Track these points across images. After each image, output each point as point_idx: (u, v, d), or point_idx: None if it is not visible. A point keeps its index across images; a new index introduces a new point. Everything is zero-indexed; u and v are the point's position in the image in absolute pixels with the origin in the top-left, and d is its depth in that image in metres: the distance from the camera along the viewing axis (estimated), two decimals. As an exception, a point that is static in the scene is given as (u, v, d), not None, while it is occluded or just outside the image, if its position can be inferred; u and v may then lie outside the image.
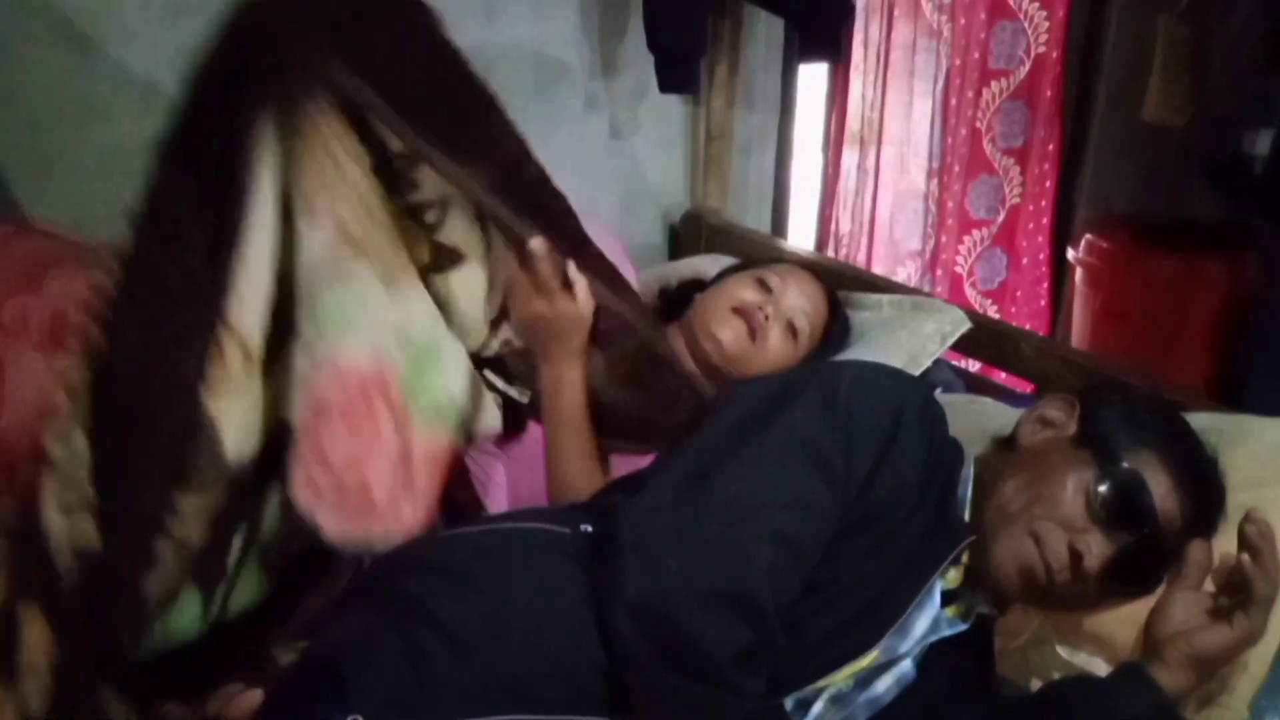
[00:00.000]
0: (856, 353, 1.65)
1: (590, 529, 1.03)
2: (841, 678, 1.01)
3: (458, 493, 1.26)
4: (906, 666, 1.05)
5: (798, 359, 1.56)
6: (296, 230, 1.02)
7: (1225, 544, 1.06)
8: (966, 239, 3.09)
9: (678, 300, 1.68)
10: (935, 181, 2.94)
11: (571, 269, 1.17)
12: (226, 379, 0.98)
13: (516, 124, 1.14)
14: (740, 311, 1.53)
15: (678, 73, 2.04)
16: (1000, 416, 1.42)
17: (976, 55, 2.85)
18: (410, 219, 1.13)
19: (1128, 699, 1.01)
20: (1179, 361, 2.77)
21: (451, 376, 1.14)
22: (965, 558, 1.07)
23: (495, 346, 1.24)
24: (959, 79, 2.85)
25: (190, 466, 0.97)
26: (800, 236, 2.77)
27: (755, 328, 1.52)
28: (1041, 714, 1.06)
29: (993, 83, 2.91)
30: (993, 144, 2.99)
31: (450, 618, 0.92)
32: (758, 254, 2.07)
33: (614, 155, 2.22)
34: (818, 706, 1.00)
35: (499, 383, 1.26)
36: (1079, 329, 3.05)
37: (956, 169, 2.96)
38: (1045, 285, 3.17)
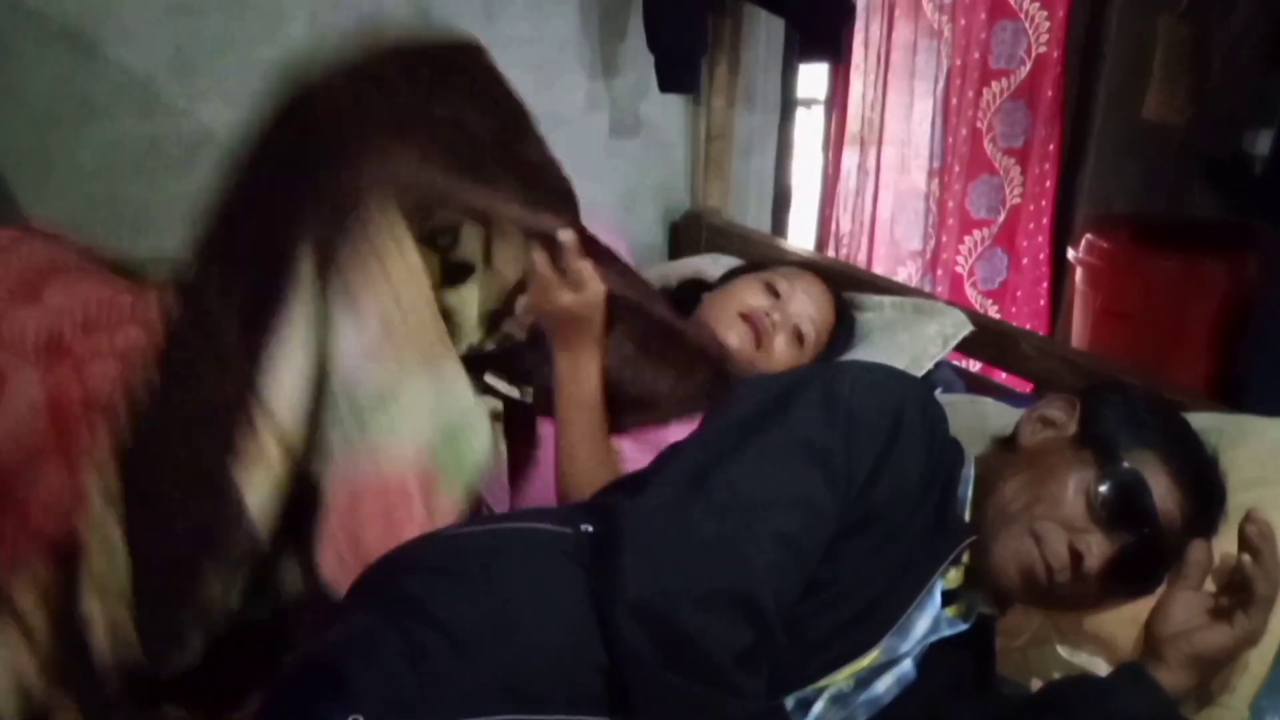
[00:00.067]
0: (858, 354, 1.65)
1: (591, 529, 1.02)
2: (842, 678, 1.00)
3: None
4: (907, 666, 1.05)
5: (803, 364, 1.56)
6: (336, 321, 1.03)
7: (1226, 544, 1.06)
8: (967, 239, 3.09)
9: (680, 300, 1.68)
10: (936, 181, 2.94)
11: (585, 262, 1.19)
12: (259, 457, 1.00)
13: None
14: (747, 317, 1.52)
15: (678, 72, 2.04)
16: (1000, 416, 1.42)
17: (977, 55, 2.85)
18: (426, 244, 1.15)
19: (1128, 699, 1.01)
20: (1179, 361, 2.77)
21: (480, 441, 1.16)
22: (966, 558, 1.07)
23: (493, 343, 1.24)
24: (959, 79, 2.85)
25: (221, 541, 0.99)
26: (800, 236, 2.77)
27: (761, 334, 1.52)
28: (1042, 714, 1.06)
29: (993, 83, 2.91)
30: (993, 144, 2.99)
31: (451, 617, 0.92)
32: (758, 254, 2.07)
33: (614, 155, 2.21)
34: (818, 706, 1.00)
35: (501, 385, 1.27)
36: (1079, 329, 3.05)
37: (957, 169, 2.96)
38: (1045, 285, 3.17)
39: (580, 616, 0.93)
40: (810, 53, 2.26)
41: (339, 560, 1.05)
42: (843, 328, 1.63)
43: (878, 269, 2.86)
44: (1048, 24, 2.87)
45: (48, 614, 1.01)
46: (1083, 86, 2.99)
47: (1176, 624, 1.03)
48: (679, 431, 1.48)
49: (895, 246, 3.00)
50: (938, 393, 1.60)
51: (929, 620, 1.04)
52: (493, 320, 1.25)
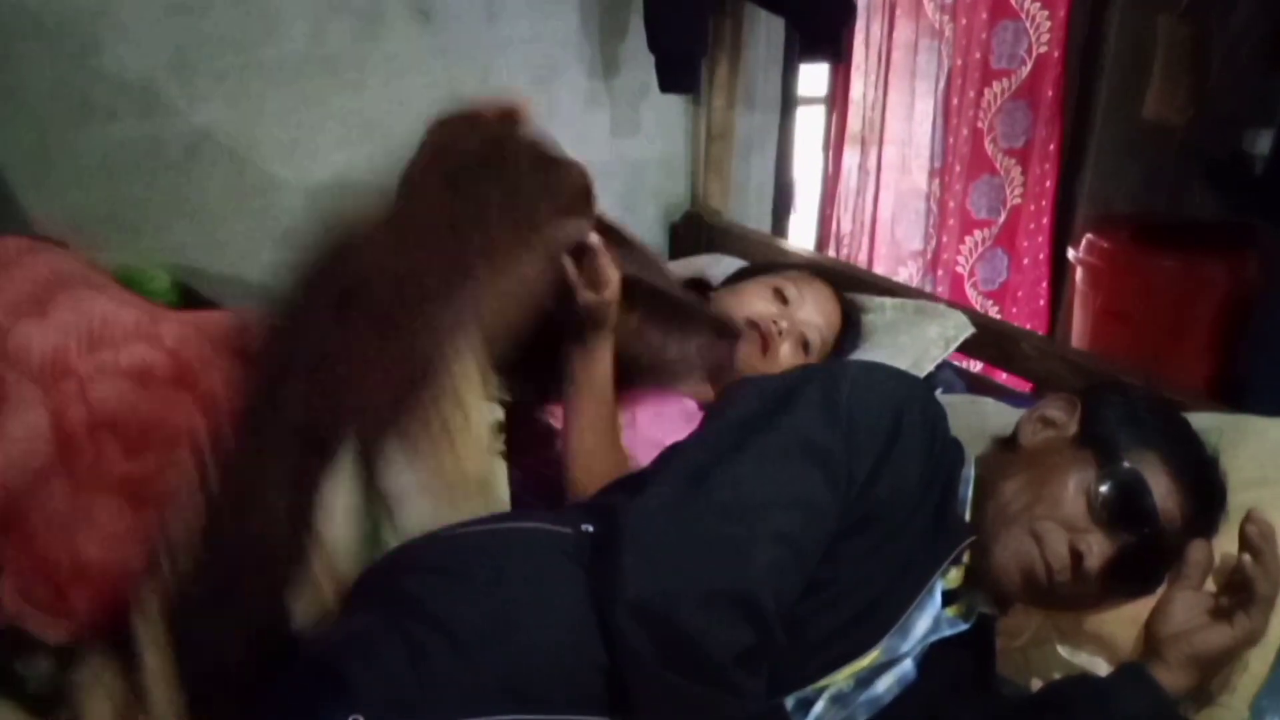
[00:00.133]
0: (859, 355, 1.65)
1: (591, 528, 1.02)
2: (842, 677, 1.00)
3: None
4: (907, 666, 1.05)
5: None
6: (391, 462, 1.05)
7: (1226, 544, 1.06)
8: (968, 239, 3.09)
9: None
10: (936, 181, 2.94)
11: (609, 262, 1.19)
12: (311, 589, 1.01)
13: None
14: (754, 324, 1.52)
15: (678, 72, 2.04)
16: (1001, 416, 1.42)
17: (978, 55, 2.85)
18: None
19: (1128, 699, 1.01)
20: (1179, 361, 2.77)
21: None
22: (966, 557, 1.07)
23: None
24: (960, 79, 2.85)
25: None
26: (800, 236, 2.77)
27: (768, 342, 1.51)
28: (1042, 714, 1.06)
29: (994, 83, 2.91)
30: (994, 144, 2.99)
31: (451, 617, 0.92)
32: (758, 255, 2.07)
33: (614, 155, 2.21)
34: (818, 706, 1.00)
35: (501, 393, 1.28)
36: (1079, 329, 3.05)
37: (958, 169, 2.96)
38: (1045, 285, 3.17)
39: (580, 616, 0.93)
40: (811, 53, 2.26)
41: None
42: (849, 334, 1.63)
43: (878, 269, 2.86)
44: (1049, 24, 2.87)
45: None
46: (1083, 86, 2.99)
47: (1177, 624, 1.03)
48: (682, 410, 1.49)
49: (896, 246, 3.00)
50: (938, 393, 1.60)
51: (929, 620, 1.04)
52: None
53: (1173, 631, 1.03)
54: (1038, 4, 2.84)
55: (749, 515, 0.95)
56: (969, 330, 1.73)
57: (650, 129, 2.26)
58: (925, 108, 2.86)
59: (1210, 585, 1.07)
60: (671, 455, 1.07)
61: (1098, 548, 1.02)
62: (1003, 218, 3.09)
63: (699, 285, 1.69)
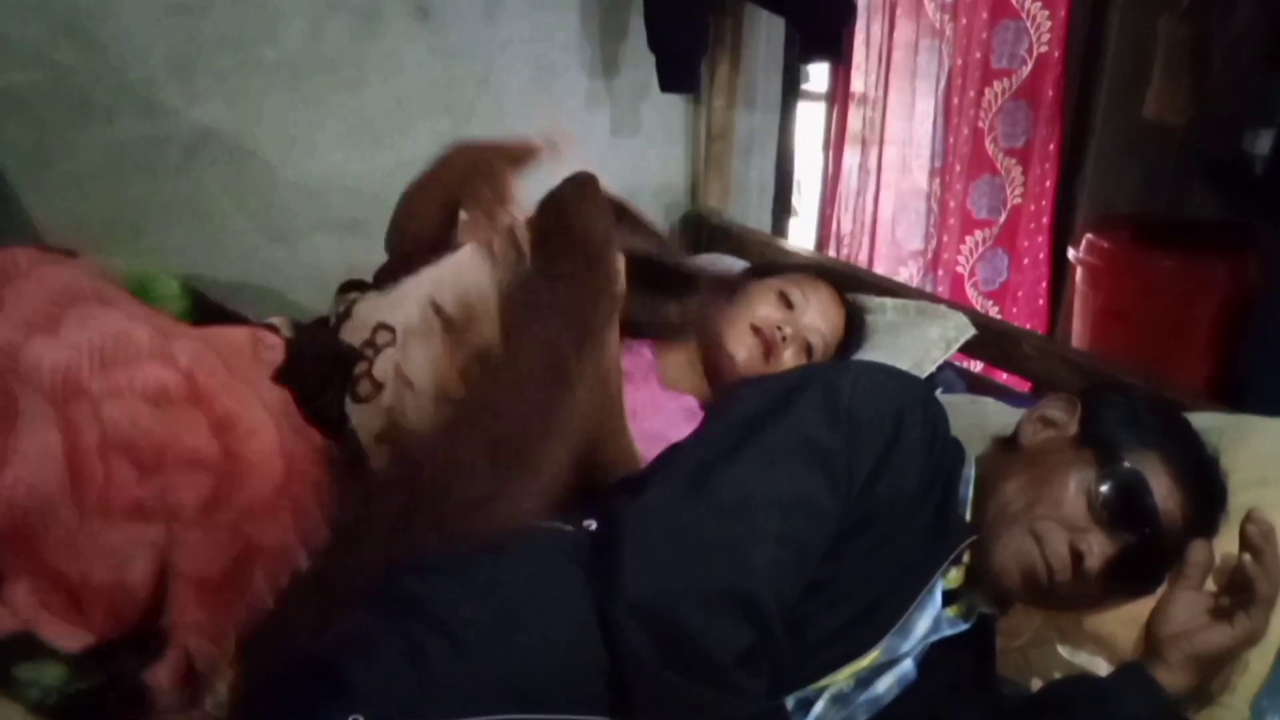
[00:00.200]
0: (860, 356, 1.64)
1: (593, 526, 1.02)
2: (842, 677, 1.00)
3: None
4: (907, 666, 1.05)
5: None
6: None
7: (1226, 544, 1.06)
8: (968, 239, 3.08)
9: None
10: (937, 181, 2.94)
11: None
12: None
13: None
14: (758, 330, 1.52)
15: (679, 72, 2.04)
16: (1001, 416, 1.42)
17: (978, 55, 2.85)
18: None
19: (1129, 699, 1.01)
20: (1179, 361, 2.77)
21: None
22: (966, 557, 1.07)
23: None
24: (961, 78, 2.85)
25: None
26: (800, 236, 2.77)
27: (771, 348, 1.51)
28: (1042, 714, 1.06)
29: (995, 82, 2.91)
30: (994, 144, 2.99)
31: (451, 617, 0.92)
32: (758, 254, 2.07)
33: (615, 154, 2.21)
34: (819, 706, 1.00)
35: None
36: (1079, 329, 3.05)
37: (958, 169, 2.96)
38: (1044, 285, 3.17)
39: (581, 616, 0.93)
40: (811, 53, 2.26)
41: None
42: (852, 338, 1.62)
43: (879, 269, 2.86)
44: (1049, 23, 2.87)
45: None
46: (1083, 86, 2.99)
47: (1177, 624, 1.03)
48: (681, 406, 1.50)
49: (896, 246, 3.00)
50: (938, 393, 1.60)
51: (930, 620, 1.04)
52: None
53: (1173, 631, 1.03)
54: (1038, 4, 2.84)
55: (750, 515, 0.95)
56: (970, 332, 1.73)
57: (650, 129, 2.26)
58: (926, 107, 2.86)
59: (1210, 585, 1.07)
60: (672, 455, 1.07)
61: (1098, 548, 1.02)
62: (1003, 218, 3.08)
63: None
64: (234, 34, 1.71)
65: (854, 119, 2.80)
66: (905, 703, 1.05)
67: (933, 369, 1.71)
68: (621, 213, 1.26)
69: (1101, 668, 1.15)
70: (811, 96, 2.72)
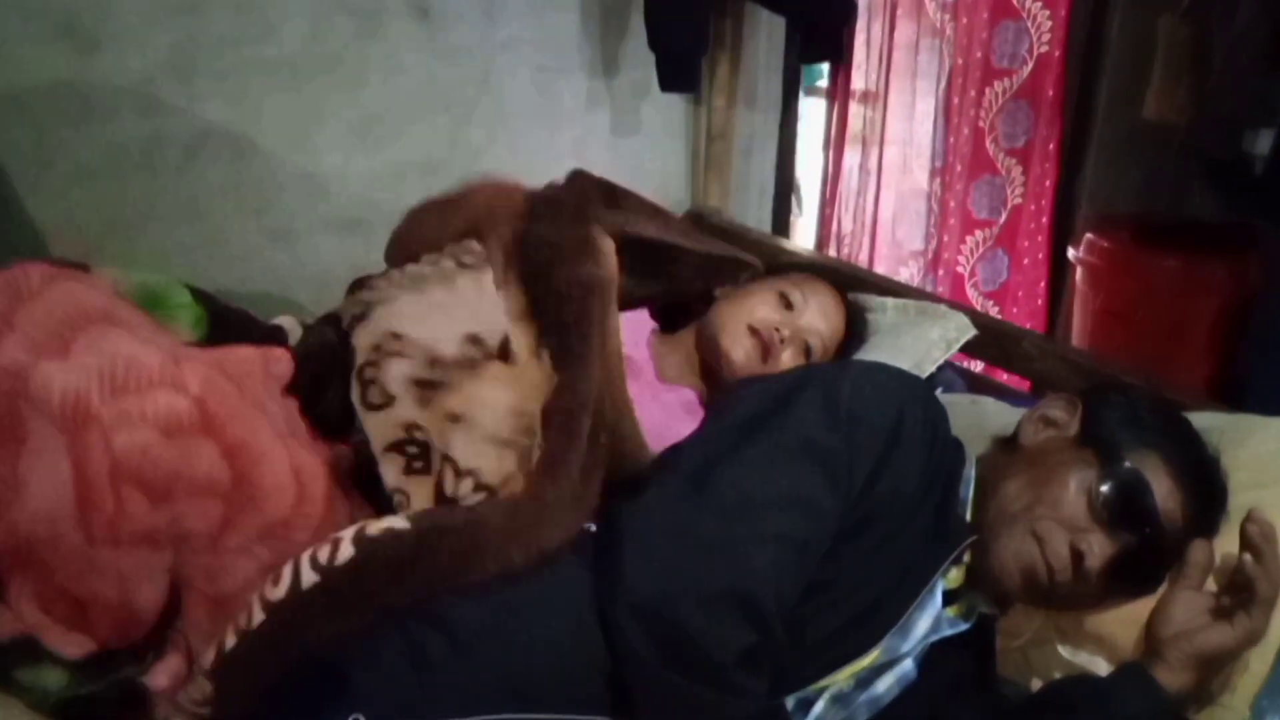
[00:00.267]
0: (861, 356, 1.64)
1: (593, 528, 1.02)
2: (843, 677, 1.00)
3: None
4: (908, 666, 1.05)
5: None
6: None
7: (1227, 544, 1.06)
8: (969, 239, 3.08)
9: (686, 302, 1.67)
10: (937, 181, 2.94)
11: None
12: None
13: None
14: (756, 331, 1.51)
15: (679, 72, 2.04)
16: (1001, 416, 1.42)
17: (979, 54, 2.85)
18: None
19: (1129, 699, 1.01)
20: (1179, 362, 2.77)
21: None
22: (967, 557, 1.07)
23: None
24: (961, 78, 2.85)
25: None
26: (801, 236, 2.77)
27: (769, 349, 1.51)
28: (1042, 714, 1.06)
29: (995, 82, 2.91)
30: (995, 144, 2.98)
31: (452, 617, 0.92)
32: (758, 254, 2.07)
33: (615, 154, 2.21)
34: (819, 706, 1.00)
35: None
36: (1079, 329, 3.05)
37: (959, 169, 2.96)
38: (1043, 285, 3.17)
39: (581, 616, 0.93)
40: (811, 52, 2.25)
41: None
42: (852, 339, 1.62)
43: (879, 269, 2.86)
44: (1050, 23, 2.86)
45: None
46: (1084, 86, 2.98)
47: (1177, 624, 1.03)
48: (680, 399, 1.50)
49: (897, 246, 3.00)
50: (939, 392, 1.60)
51: (930, 620, 1.04)
52: None
53: (1173, 631, 1.03)
54: (1039, 3, 2.84)
55: (750, 515, 0.95)
56: (971, 332, 1.73)
57: (650, 129, 2.25)
58: (926, 107, 2.86)
59: (1211, 585, 1.07)
60: (673, 455, 1.07)
61: (1098, 548, 1.02)
62: (1004, 218, 3.08)
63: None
64: (234, 34, 1.71)
65: (854, 119, 2.80)
66: (905, 703, 1.05)
67: (933, 369, 1.70)
68: (621, 197, 1.26)
69: (1101, 668, 1.14)
70: (819, 93, 2.72)
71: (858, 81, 2.77)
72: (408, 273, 1.31)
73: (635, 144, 2.24)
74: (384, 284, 1.30)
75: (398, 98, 1.90)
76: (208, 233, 1.78)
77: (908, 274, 3.00)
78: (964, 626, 1.07)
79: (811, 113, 2.73)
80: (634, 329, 1.52)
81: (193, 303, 1.31)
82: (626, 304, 1.37)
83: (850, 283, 1.73)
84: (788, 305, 1.54)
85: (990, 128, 2.96)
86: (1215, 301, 2.78)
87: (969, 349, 1.79)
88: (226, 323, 1.32)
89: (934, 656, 1.07)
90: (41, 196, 1.59)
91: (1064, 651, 1.18)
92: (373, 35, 1.84)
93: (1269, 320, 2.58)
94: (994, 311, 3.11)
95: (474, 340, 1.19)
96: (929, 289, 2.89)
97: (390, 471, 1.14)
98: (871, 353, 1.65)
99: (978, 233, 3.08)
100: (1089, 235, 2.97)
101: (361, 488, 1.23)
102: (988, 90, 2.91)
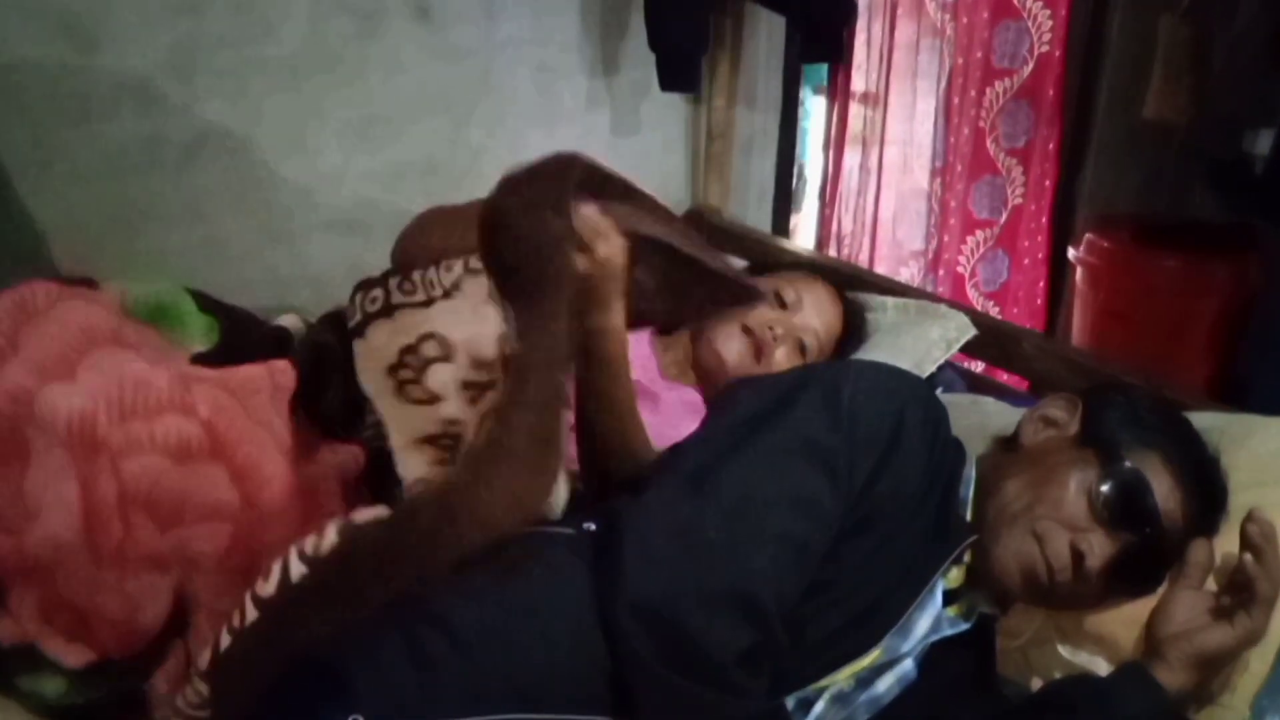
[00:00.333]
0: (861, 355, 1.64)
1: (593, 527, 1.02)
2: (843, 677, 1.00)
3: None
4: (908, 666, 1.05)
5: None
6: None
7: (1227, 544, 1.06)
8: (969, 239, 3.08)
9: None
10: (938, 181, 2.94)
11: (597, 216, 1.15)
12: None
13: None
14: (749, 330, 1.51)
15: (679, 72, 2.04)
16: (1002, 416, 1.42)
17: (980, 54, 2.85)
18: None
19: (1129, 699, 1.01)
20: (1180, 362, 2.76)
21: None
22: (967, 557, 1.07)
23: None
24: (962, 78, 2.85)
25: None
26: (801, 236, 2.77)
27: (762, 348, 1.50)
28: (1043, 714, 1.06)
29: (996, 82, 2.90)
30: (996, 144, 2.98)
31: (453, 617, 0.92)
32: (758, 254, 2.07)
33: (615, 154, 2.19)
34: (819, 706, 1.00)
35: None
36: (1079, 329, 3.04)
37: (959, 169, 2.95)
38: (1043, 284, 3.17)
39: (582, 616, 0.93)
40: (812, 52, 2.25)
41: None
42: (850, 337, 1.62)
43: (879, 269, 2.85)
44: (1050, 23, 2.86)
45: None
46: (1084, 86, 2.98)
47: (1177, 624, 1.03)
48: (681, 399, 1.49)
49: (897, 247, 2.99)
50: (939, 392, 1.60)
51: (930, 620, 1.04)
52: None
53: (1173, 631, 1.03)
54: (1039, 3, 2.83)
55: (750, 515, 0.95)
56: (971, 332, 1.73)
57: (650, 128, 2.26)
58: (927, 107, 2.86)
59: (1211, 585, 1.07)
60: (672, 455, 1.07)
61: (1099, 547, 1.02)
62: (1004, 218, 3.08)
63: None
64: (234, 34, 1.71)
65: (854, 118, 2.80)
66: (905, 702, 1.05)
67: (933, 369, 1.71)
68: (624, 191, 1.23)
69: (1102, 668, 1.14)
70: (825, 92, 2.71)
71: (858, 81, 2.77)
72: (428, 276, 1.31)
73: (635, 144, 2.24)
74: (418, 285, 1.30)
75: (398, 98, 1.90)
76: (207, 232, 1.78)
77: (908, 274, 3.00)
78: (964, 626, 1.07)
79: (820, 111, 2.73)
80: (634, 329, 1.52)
81: (198, 311, 1.31)
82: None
83: (850, 283, 1.73)
84: (781, 304, 1.54)
85: (991, 128, 2.96)
86: (1215, 301, 2.78)
87: (969, 349, 1.79)
88: (236, 329, 1.31)
89: (934, 656, 1.07)
90: (41, 196, 1.59)
91: (1064, 651, 1.18)
92: (373, 35, 1.84)
93: (1269, 320, 2.58)
94: (994, 312, 3.10)
95: (507, 340, 1.20)
96: (929, 289, 2.88)
97: (415, 464, 1.14)
98: (872, 352, 1.65)
99: (978, 233, 3.08)
100: (1089, 235, 2.97)
101: (370, 486, 1.23)
102: (988, 90, 2.91)
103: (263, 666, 0.93)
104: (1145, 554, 1.03)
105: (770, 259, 1.98)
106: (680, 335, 1.59)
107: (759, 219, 2.50)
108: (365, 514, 0.99)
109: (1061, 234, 3.09)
